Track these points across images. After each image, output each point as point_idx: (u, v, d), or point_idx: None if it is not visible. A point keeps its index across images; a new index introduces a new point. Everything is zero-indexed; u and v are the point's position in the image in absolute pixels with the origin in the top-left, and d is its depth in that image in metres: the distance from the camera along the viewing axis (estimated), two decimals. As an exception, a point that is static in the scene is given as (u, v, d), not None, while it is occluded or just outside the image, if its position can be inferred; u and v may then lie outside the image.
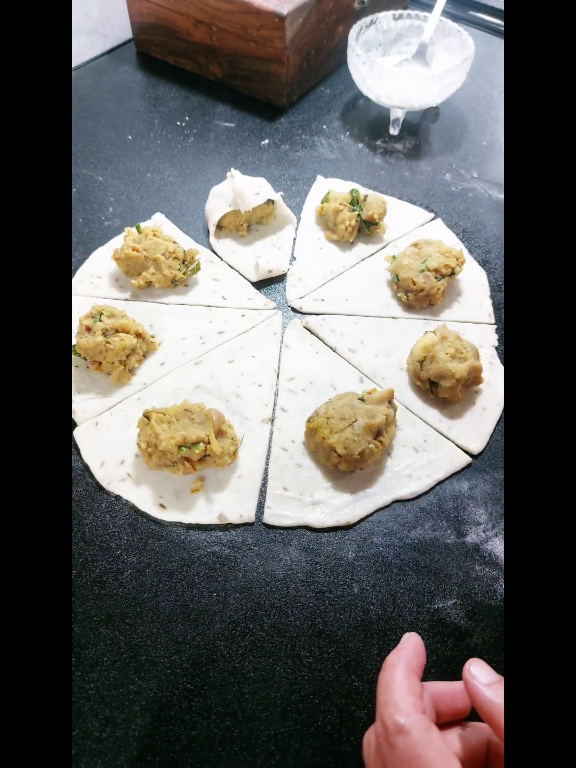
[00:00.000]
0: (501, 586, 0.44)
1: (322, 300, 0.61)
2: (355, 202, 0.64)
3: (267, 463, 0.50)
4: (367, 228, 0.65)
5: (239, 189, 0.62)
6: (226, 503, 0.48)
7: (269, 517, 0.47)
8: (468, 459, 0.51)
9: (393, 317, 0.60)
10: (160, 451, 0.46)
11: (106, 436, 0.51)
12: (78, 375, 0.54)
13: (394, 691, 0.28)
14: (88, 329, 0.52)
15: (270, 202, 0.65)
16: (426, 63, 0.76)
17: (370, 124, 0.79)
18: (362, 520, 0.47)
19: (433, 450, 0.51)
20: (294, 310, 0.61)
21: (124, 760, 0.38)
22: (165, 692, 0.40)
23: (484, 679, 0.27)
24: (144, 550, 0.46)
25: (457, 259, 0.59)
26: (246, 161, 0.74)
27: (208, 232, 0.65)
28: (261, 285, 0.62)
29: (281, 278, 0.63)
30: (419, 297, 0.58)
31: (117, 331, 0.53)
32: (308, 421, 0.50)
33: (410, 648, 0.31)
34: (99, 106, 0.80)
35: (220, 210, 0.63)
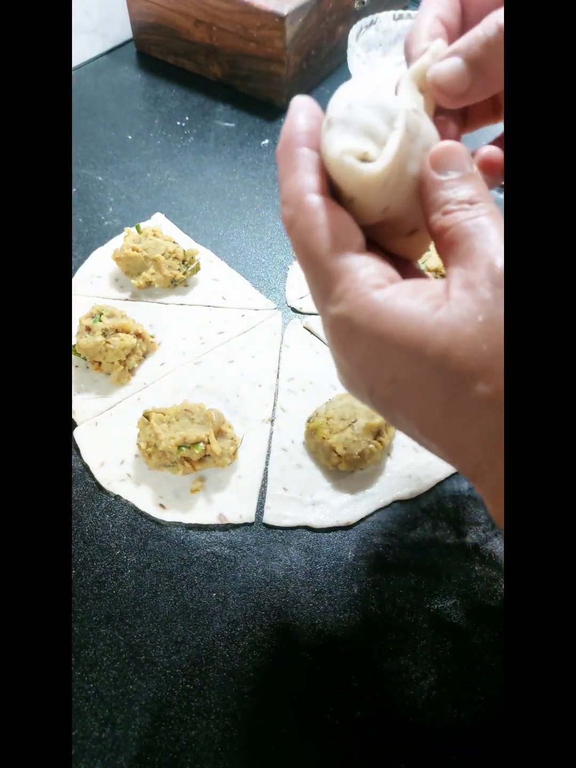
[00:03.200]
0: (501, 586, 0.44)
1: (322, 300, 0.61)
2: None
3: (267, 463, 0.50)
4: (367, 228, 0.65)
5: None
6: (225, 503, 0.48)
7: (269, 518, 0.47)
8: (468, 459, 0.51)
9: (393, 317, 0.60)
10: (160, 451, 0.46)
11: (106, 436, 0.51)
12: (78, 375, 0.54)
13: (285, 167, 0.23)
14: (88, 329, 0.52)
15: None
16: (426, 63, 0.76)
17: (370, 124, 0.79)
18: (362, 520, 0.47)
19: (433, 450, 0.51)
20: (294, 310, 0.61)
21: (123, 760, 0.38)
22: (164, 692, 0.40)
23: None
24: (144, 550, 0.46)
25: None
26: (246, 161, 0.74)
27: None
28: (261, 285, 0.62)
29: (281, 278, 0.63)
30: (419, 297, 0.58)
31: (117, 331, 0.53)
32: (308, 421, 0.50)
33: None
34: (99, 105, 0.80)
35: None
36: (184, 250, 0.60)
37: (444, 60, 0.26)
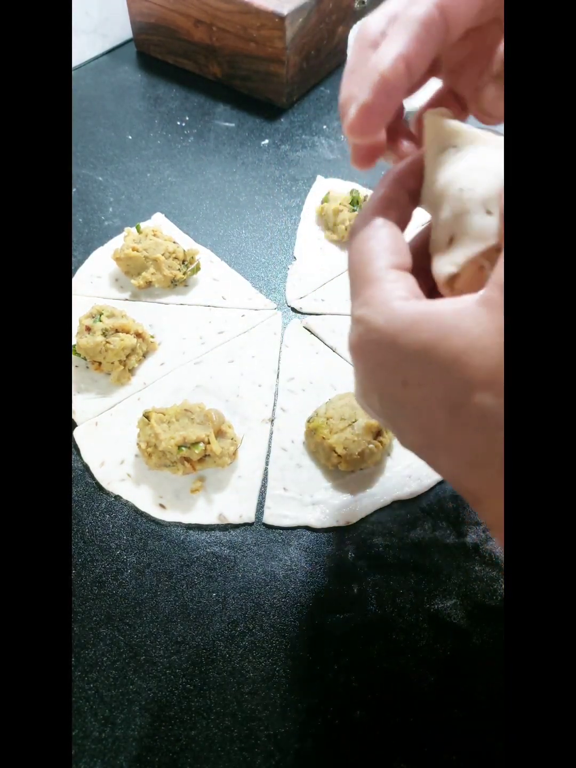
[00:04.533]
0: (501, 586, 0.44)
1: (323, 300, 0.61)
2: (355, 202, 0.64)
3: (267, 463, 0.50)
4: (367, 228, 0.65)
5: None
6: (225, 503, 0.48)
7: (269, 518, 0.47)
8: (468, 459, 0.51)
9: (393, 317, 0.60)
10: (160, 451, 0.46)
11: (106, 436, 0.51)
12: (78, 375, 0.54)
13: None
14: (88, 329, 0.52)
15: None
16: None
17: (370, 124, 0.79)
18: (362, 520, 0.47)
19: (433, 450, 0.51)
20: (294, 310, 0.61)
21: (123, 759, 0.38)
22: (164, 692, 0.40)
23: None
24: (143, 550, 0.46)
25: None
26: (246, 161, 0.74)
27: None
28: (261, 285, 0.62)
29: (281, 278, 0.63)
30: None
31: (117, 331, 0.53)
32: (308, 421, 0.50)
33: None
34: (99, 106, 0.80)
35: None
36: (184, 250, 0.60)
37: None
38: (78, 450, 0.50)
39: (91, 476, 0.49)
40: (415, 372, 0.22)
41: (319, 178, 0.72)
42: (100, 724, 0.39)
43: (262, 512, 0.48)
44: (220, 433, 0.48)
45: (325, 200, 0.66)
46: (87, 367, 0.54)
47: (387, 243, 0.25)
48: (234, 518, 0.47)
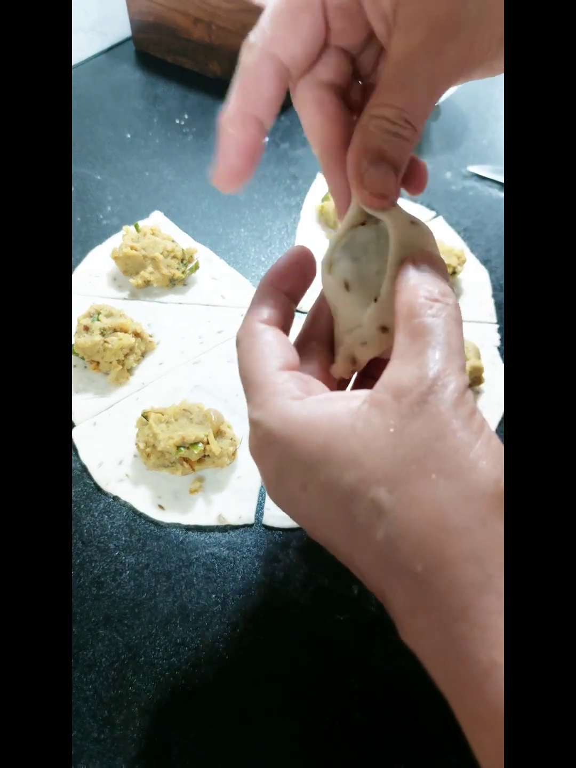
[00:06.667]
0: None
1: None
2: (354, 201, 0.64)
3: (266, 463, 0.50)
4: (367, 227, 0.65)
5: None
6: (225, 504, 0.48)
7: (269, 519, 0.47)
8: (468, 459, 0.50)
9: (392, 317, 0.60)
10: (159, 451, 0.46)
11: (105, 437, 0.51)
12: (76, 375, 0.54)
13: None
14: (86, 329, 0.52)
15: None
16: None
17: (369, 123, 0.79)
18: (362, 520, 0.47)
19: (432, 450, 0.51)
20: (293, 309, 0.60)
21: (122, 761, 0.37)
22: (164, 694, 0.40)
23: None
24: (142, 551, 0.45)
25: (458, 259, 0.59)
26: (245, 160, 0.74)
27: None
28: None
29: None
30: (419, 297, 0.58)
31: (115, 330, 0.52)
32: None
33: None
34: (97, 104, 0.80)
35: None
36: (182, 249, 0.60)
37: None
38: (76, 450, 0.50)
39: (90, 477, 0.49)
40: (312, 473, 0.23)
41: (319, 176, 0.72)
42: (99, 725, 0.39)
43: (262, 513, 0.48)
44: (219, 434, 0.48)
45: (325, 198, 0.66)
46: (85, 367, 0.54)
47: (271, 347, 0.27)
48: (233, 519, 0.47)
